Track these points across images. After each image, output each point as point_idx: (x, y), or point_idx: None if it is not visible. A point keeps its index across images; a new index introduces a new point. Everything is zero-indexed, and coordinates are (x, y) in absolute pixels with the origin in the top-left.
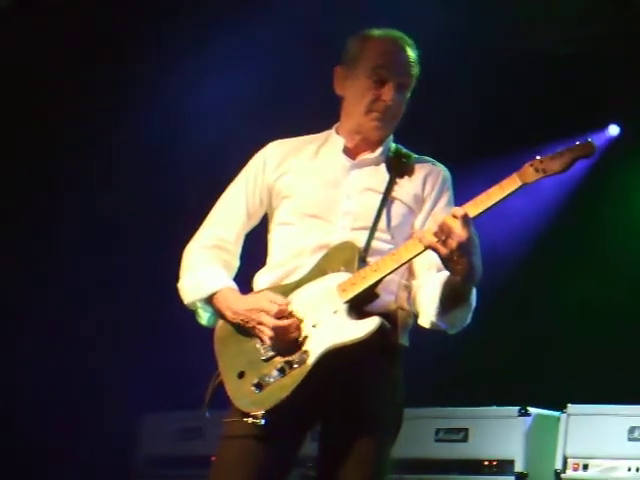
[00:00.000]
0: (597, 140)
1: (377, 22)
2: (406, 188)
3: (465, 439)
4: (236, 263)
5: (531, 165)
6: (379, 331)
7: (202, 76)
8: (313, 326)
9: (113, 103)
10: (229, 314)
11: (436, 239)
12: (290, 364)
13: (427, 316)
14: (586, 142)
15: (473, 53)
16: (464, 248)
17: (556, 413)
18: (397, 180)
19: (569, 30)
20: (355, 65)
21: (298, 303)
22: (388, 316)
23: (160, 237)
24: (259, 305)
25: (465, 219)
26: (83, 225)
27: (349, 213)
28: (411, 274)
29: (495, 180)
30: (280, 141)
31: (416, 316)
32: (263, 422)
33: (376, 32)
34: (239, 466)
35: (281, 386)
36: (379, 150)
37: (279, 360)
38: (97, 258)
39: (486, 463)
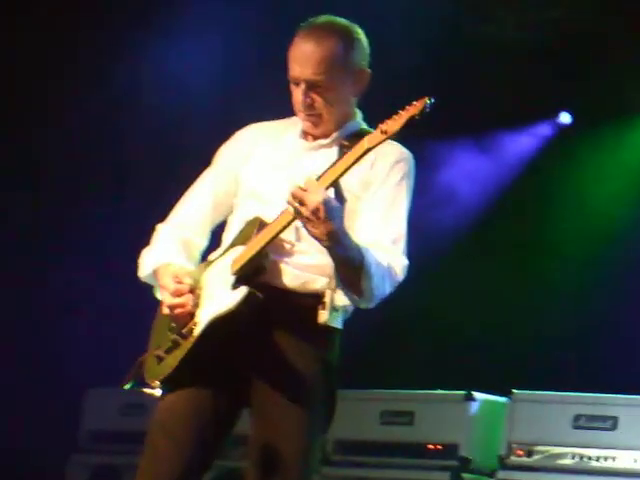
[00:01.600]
0: (548, 129)
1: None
2: (351, 172)
3: (410, 422)
4: (200, 242)
5: (379, 128)
6: (250, 301)
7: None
8: (209, 299)
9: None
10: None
11: (292, 206)
12: (183, 336)
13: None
14: (420, 100)
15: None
16: (318, 214)
17: (502, 399)
18: None
19: (522, 16)
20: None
21: (206, 278)
22: (314, 296)
23: None
24: (162, 282)
25: (313, 186)
26: None
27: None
28: None
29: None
30: (254, 125)
31: None
32: (159, 393)
33: (300, 29)
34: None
35: (174, 357)
36: (333, 135)
37: (177, 332)
38: None
39: (430, 447)
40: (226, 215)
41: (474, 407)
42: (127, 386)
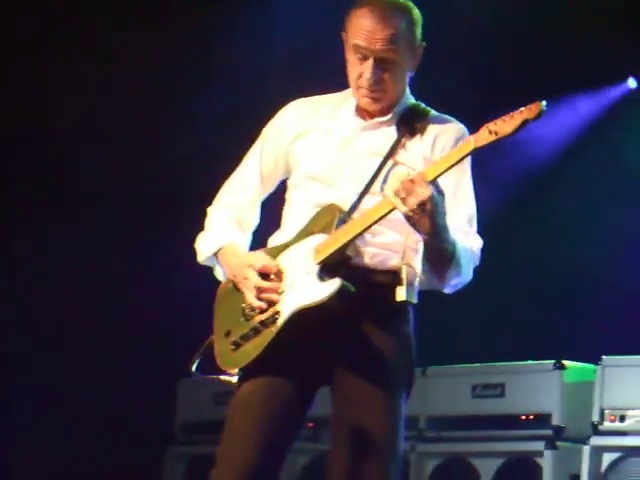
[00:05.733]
0: (615, 92)
1: None
2: (413, 150)
3: (502, 394)
4: (252, 220)
5: (487, 127)
6: (342, 294)
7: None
8: (290, 287)
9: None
10: (226, 270)
11: (397, 198)
12: (264, 323)
13: (421, 279)
14: (535, 104)
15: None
16: (424, 207)
17: (591, 365)
18: (405, 141)
19: None
20: (346, 37)
21: (281, 264)
22: (391, 273)
23: None
24: (247, 260)
25: (424, 179)
26: None
27: (354, 177)
28: None
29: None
30: (300, 101)
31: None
32: (235, 380)
33: (361, 3)
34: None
35: (254, 345)
36: (392, 112)
37: (256, 319)
38: None
39: (523, 417)
40: (272, 190)
41: (565, 375)
42: (193, 369)
